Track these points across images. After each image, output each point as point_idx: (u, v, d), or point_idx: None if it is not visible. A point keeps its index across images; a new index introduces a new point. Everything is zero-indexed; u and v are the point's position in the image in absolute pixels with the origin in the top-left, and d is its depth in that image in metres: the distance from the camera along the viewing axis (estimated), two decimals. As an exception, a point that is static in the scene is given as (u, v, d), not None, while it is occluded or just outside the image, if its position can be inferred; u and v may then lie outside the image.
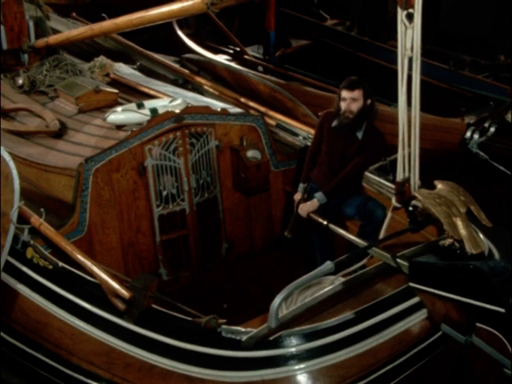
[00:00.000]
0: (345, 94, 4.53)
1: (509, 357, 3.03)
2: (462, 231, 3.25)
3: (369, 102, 4.56)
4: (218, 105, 5.35)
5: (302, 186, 4.80)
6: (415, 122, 3.38)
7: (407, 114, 3.38)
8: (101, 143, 4.62)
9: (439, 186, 3.49)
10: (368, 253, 3.83)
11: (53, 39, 5.97)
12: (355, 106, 4.51)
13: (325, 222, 4.35)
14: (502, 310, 3.00)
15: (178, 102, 5.03)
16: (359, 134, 4.58)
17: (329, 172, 4.67)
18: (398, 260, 3.49)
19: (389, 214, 3.94)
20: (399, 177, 3.55)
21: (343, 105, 4.54)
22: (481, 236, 3.41)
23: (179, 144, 4.66)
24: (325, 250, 4.64)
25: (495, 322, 3.04)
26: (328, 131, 4.69)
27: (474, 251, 3.21)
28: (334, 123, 4.61)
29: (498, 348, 3.03)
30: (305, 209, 4.58)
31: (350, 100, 4.51)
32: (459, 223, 3.27)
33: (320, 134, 4.78)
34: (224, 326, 3.27)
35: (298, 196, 4.77)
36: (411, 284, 3.35)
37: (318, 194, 4.57)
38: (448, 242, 3.37)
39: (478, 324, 3.09)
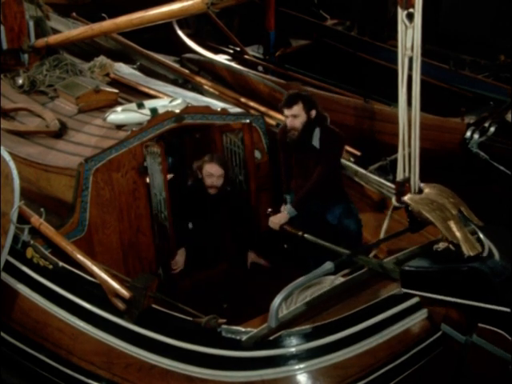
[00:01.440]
0: (285, 111, 4.51)
1: None
2: (457, 233, 3.25)
3: (313, 113, 4.49)
4: (218, 105, 5.35)
5: (285, 196, 4.72)
6: (415, 121, 3.37)
7: (407, 114, 3.37)
8: (101, 143, 4.62)
9: (426, 190, 3.48)
10: (368, 253, 3.83)
11: (53, 39, 5.97)
12: (298, 122, 4.47)
13: (300, 233, 4.24)
14: (507, 310, 2.99)
15: (178, 101, 5.03)
16: (316, 143, 4.53)
17: (302, 183, 4.61)
18: (388, 266, 3.48)
19: (389, 214, 3.94)
20: (399, 176, 3.55)
21: (287, 122, 4.52)
22: (480, 236, 3.41)
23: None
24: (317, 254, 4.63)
25: (499, 321, 3.04)
26: (288, 146, 4.67)
27: (471, 253, 3.21)
28: (288, 140, 4.59)
29: (502, 346, 3.02)
30: (276, 221, 4.49)
31: (291, 117, 4.47)
32: (453, 225, 3.27)
33: (284, 149, 4.75)
34: (224, 326, 3.27)
35: (283, 207, 4.65)
36: (404, 290, 3.35)
37: (288, 207, 4.50)
38: (443, 245, 3.37)
39: (480, 324, 3.09)
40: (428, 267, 3.29)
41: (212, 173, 4.67)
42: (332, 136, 4.55)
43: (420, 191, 3.46)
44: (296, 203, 4.50)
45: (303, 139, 4.52)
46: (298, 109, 4.45)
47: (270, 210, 4.63)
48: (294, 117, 4.46)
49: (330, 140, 4.52)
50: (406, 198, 3.45)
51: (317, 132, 4.53)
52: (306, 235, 4.21)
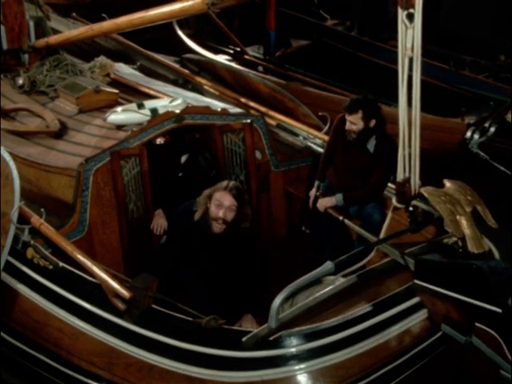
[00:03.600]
0: (346, 115, 4.55)
1: (505, 357, 3.02)
2: (466, 230, 3.25)
3: (372, 122, 4.51)
4: (218, 105, 5.36)
5: (317, 183, 4.83)
6: (415, 122, 3.37)
7: (407, 114, 3.37)
8: (101, 143, 4.62)
9: (447, 184, 3.50)
10: (368, 253, 3.83)
11: (53, 39, 5.97)
12: (355, 128, 4.52)
13: (340, 218, 4.49)
14: (499, 310, 2.99)
15: (179, 102, 5.04)
16: (370, 147, 4.58)
17: (342, 175, 4.72)
18: (408, 257, 3.48)
19: (389, 215, 3.94)
20: (399, 177, 3.55)
21: (346, 124, 4.56)
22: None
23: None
24: (331, 238, 4.82)
25: (493, 321, 3.04)
26: (341, 138, 4.70)
27: (475, 250, 3.21)
28: (346, 136, 4.63)
29: (494, 348, 3.02)
30: (323, 204, 4.66)
31: (349, 122, 4.52)
32: (463, 222, 3.27)
33: (334, 138, 4.79)
34: (224, 326, 3.27)
35: (313, 192, 4.81)
36: (416, 281, 3.34)
37: (339, 196, 4.63)
38: (452, 240, 3.37)
39: (477, 324, 3.09)
40: (439, 261, 3.29)
41: (222, 202, 3.93)
42: (389, 144, 4.48)
43: (441, 185, 3.49)
44: (348, 198, 4.62)
45: (358, 144, 4.59)
46: (356, 117, 4.49)
47: (318, 192, 4.77)
48: (352, 123, 4.51)
49: (387, 148, 4.48)
50: (422, 189, 3.45)
51: (373, 138, 4.57)
52: (345, 220, 4.47)
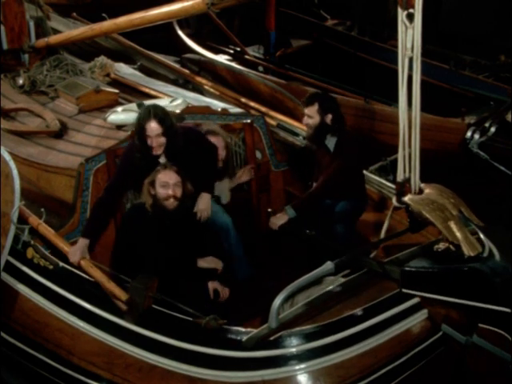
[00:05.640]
0: (303, 108, 4.54)
1: None
2: (457, 234, 3.25)
3: (329, 117, 4.44)
4: (218, 105, 5.36)
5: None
6: (416, 122, 3.37)
7: (408, 114, 3.37)
8: (101, 143, 4.62)
9: (427, 190, 3.48)
10: (369, 252, 3.83)
11: (53, 39, 5.98)
12: (311, 122, 4.47)
13: (301, 233, 4.15)
14: (508, 310, 2.99)
15: (179, 102, 5.04)
16: (330, 146, 4.51)
17: (317, 178, 4.62)
18: (389, 267, 3.45)
19: (389, 215, 3.94)
20: (400, 177, 3.55)
21: (303, 119, 4.55)
22: (481, 236, 3.40)
23: None
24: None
25: (500, 321, 3.04)
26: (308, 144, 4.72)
27: (471, 253, 3.20)
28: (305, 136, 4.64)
29: (502, 347, 3.02)
30: (274, 221, 4.32)
31: (306, 116, 4.49)
32: (453, 226, 3.27)
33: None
34: (224, 327, 3.27)
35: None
36: (404, 290, 3.33)
37: (287, 208, 4.35)
38: (443, 245, 3.37)
39: (480, 324, 3.09)
40: (428, 268, 3.28)
41: (167, 181, 3.97)
42: (348, 145, 4.47)
43: (421, 191, 3.46)
44: (297, 206, 4.34)
45: (315, 140, 4.53)
46: (312, 110, 4.44)
47: (269, 209, 4.53)
48: (308, 116, 4.47)
49: (344, 145, 4.46)
50: (406, 198, 3.44)
51: (336, 137, 4.49)
52: (307, 233, 4.11)
